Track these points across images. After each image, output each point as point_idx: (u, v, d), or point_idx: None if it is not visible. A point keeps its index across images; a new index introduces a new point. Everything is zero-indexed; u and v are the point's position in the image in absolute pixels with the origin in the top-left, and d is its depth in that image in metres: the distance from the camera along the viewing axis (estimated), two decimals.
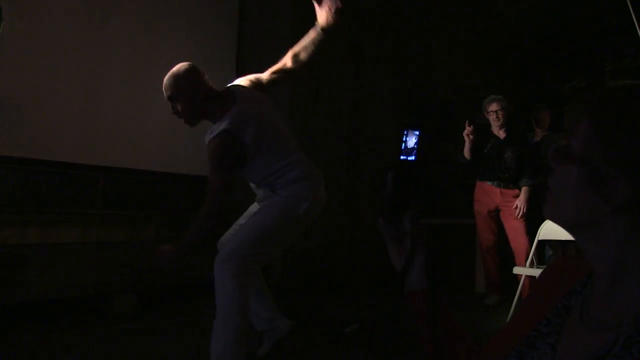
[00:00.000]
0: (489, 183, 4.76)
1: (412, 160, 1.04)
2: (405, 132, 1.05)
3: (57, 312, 3.77)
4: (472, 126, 4.51)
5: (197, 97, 2.58)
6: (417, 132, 1.05)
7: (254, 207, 2.84)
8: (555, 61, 7.26)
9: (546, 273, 0.99)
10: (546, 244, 5.19)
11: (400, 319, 3.73)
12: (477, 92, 5.79)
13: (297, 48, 2.73)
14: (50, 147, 4.10)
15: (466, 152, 4.64)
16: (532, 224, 4.46)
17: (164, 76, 2.61)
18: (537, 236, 3.95)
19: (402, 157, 1.04)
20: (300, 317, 4.17)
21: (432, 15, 6.70)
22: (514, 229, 4.67)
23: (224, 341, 2.43)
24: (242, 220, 2.85)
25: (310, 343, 3.41)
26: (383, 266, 3.86)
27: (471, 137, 4.53)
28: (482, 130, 4.82)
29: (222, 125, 2.50)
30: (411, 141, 1.04)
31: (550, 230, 3.81)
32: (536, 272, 3.96)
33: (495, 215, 4.79)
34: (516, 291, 4.07)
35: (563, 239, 3.98)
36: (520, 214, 4.60)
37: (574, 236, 0.85)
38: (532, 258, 4.05)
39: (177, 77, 2.58)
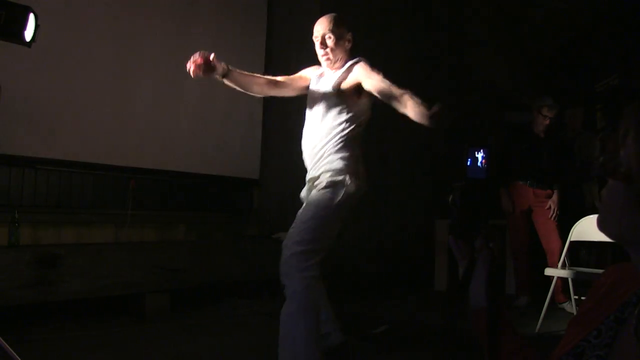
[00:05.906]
0: (521, 182, 4.69)
1: (481, 178, 1.03)
2: (470, 151, 1.05)
3: (89, 311, 3.83)
4: None
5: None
6: (484, 150, 1.04)
7: None
8: (587, 58, 7.12)
9: (603, 279, 0.92)
10: (580, 245, 5.09)
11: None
12: (506, 91, 5.72)
13: None
14: (84, 149, 4.18)
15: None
16: (565, 225, 4.39)
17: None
18: (569, 237, 3.89)
19: (469, 176, 1.04)
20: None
21: (464, 16, 6.64)
22: (547, 229, 4.58)
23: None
24: None
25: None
26: (409, 269, 3.83)
27: None
28: (519, 129, 4.76)
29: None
30: (478, 159, 1.04)
31: (584, 231, 3.74)
32: (568, 273, 3.90)
33: (527, 215, 4.72)
34: (548, 293, 4.01)
35: (596, 240, 3.90)
36: (554, 214, 4.52)
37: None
38: (565, 259, 3.97)
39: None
